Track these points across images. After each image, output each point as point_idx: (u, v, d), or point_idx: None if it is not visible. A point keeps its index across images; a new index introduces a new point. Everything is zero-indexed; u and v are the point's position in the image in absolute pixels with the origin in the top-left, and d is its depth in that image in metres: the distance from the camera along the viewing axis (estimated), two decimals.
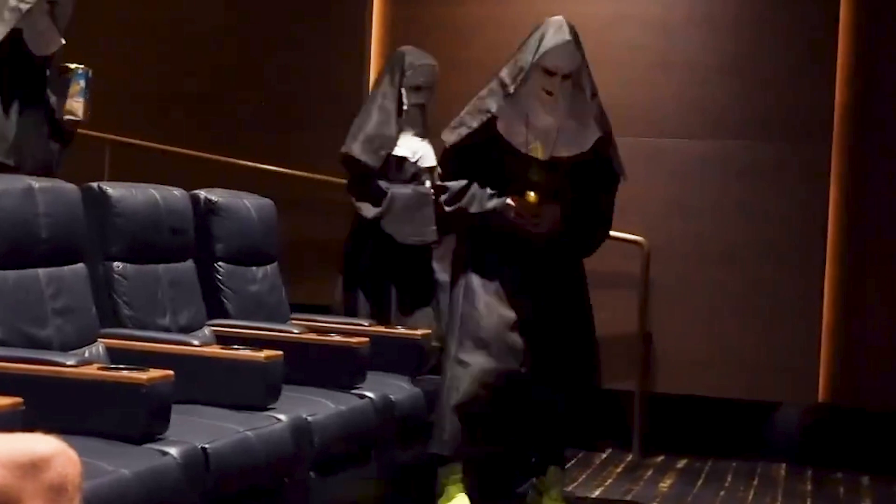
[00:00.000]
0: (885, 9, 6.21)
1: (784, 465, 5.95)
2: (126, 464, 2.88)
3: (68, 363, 3.16)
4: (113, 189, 4.03)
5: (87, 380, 3.13)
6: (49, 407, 2.96)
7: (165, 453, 3.05)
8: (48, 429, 2.14)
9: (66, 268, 3.55)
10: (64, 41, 5.09)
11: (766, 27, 6.32)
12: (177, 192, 4.31)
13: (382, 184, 5.41)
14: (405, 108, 5.49)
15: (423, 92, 5.54)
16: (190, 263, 4.33)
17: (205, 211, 4.58)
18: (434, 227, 5.25)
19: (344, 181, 5.64)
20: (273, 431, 3.57)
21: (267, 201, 4.94)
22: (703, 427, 6.47)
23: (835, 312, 6.21)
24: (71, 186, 3.66)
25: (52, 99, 4.89)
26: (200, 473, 3.14)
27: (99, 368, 3.21)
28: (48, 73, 4.97)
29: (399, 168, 5.51)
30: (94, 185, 4.02)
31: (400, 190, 5.43)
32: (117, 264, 3.99)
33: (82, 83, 4.83)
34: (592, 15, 6.50)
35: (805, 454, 6.14)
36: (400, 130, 5.48)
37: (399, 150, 5.50)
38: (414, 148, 5.56)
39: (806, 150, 6.21)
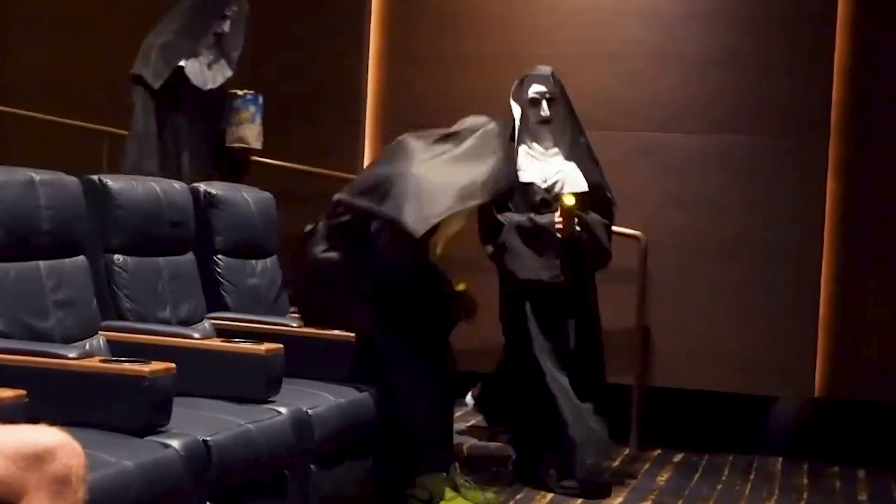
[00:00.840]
0: (882, 3, 6.22)
1: (780, 459, 5.97)
2: (129, 456, 2.89)
3: (70, 355, 3.17)
4: (114, 182, 4.03)
5: (90, 372, 3.14)
6: (51, 399, 2.97)
7: (167, 446, 3.07)
8: (51, 421, 2.15)
9: (66, 260, 3.56)
10: (231, 72, 5.05)
11: (764, 21, 6.33)
12: (177, 185, 4.32)
13: (505, 215, 4.91)
14: (529, 126, 4.98)
15: (544, 105, 4.97)
16: (190, 256, 4.34)
17: (205, 204, 4.58)
18: (556, 264, 4.83)
19: (343, 174, 5.64)
20: (274, 424, 3.58)
21: (266, 195, 4.94)
22: (700, 421, 6.48)
23: (831, 307, 6.22)
24: (72, 179, 3.66)
25: (223, 128, 4.87)
26: (202, 466, 3.16)
27: (101, 361, 3.22)
28: (213, 102, 4.95)
29: (524, 195, 4.95)
30: (95, 177, 4.02)
31: (518, 219, 4.91)
32: (118, 257, 3.99)
33: (252, 109, 4.73)
34: (590, 9, 6.52)
35: (801, 448, 6.16)
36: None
37: (524, 175, 4.95)
38: (545, 172, 4.99)
39: (803, 144, 6.22)
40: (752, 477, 5.58)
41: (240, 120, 4.78)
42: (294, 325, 4.44)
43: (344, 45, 6.80)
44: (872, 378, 6.14)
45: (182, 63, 4.97)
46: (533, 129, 5.02)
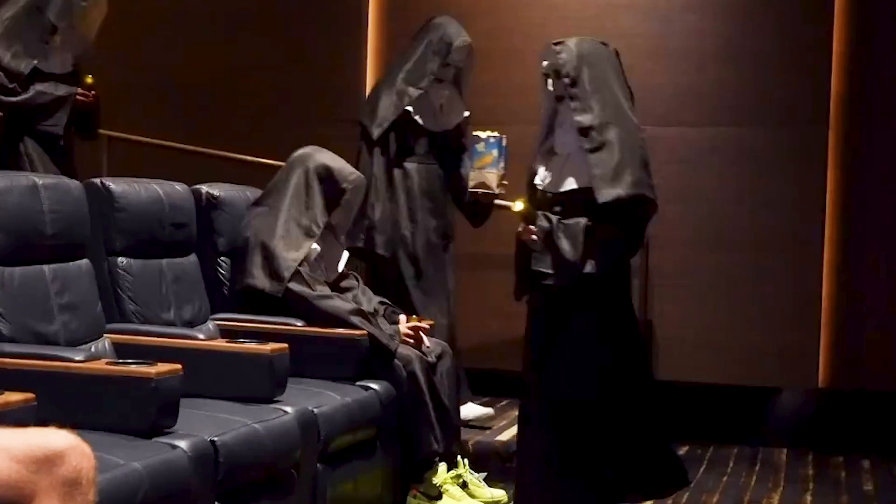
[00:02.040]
0: None
1: (785, 450, 5.98)
2: (137, 457, 2.90)
3: (77, 358, 3.18)
4: (116, 185, 4.03)
5: (97, 375, 3.15)
6: (59, 402, 2.98)
7: (175, 446, 3.08)
8: (59, 424, 2.15)
9: (71, 264, 3.57)
10: (468, 112, 5.19)
11: (762, 13, 6.33)
12: (179, 186, 4.32)
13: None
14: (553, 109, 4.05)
15: (549, 82, 3.99)
16: (193, 258, 4.35)
17: (207, 205, 4.58)
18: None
19: None
20: (280, 424, 3.59)
21: None
22: (704, 413, 6.49)
23: (834, 298, 6.23)
24: (75, 183, 3.68)
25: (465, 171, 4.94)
26: (210, 466, 3.17)
27: (107, 363, 3.22)
28: (447, 142, 5.11)
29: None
30: (98, 181, 4.03)
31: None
32: (121, 260, 4.00)
33: (495, 153, 4.59)
34: (588, 2, 6.52)
35: (806, 439, 6.16)
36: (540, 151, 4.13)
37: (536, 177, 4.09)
38: (543, 170, 4.06)
39: (803, 135, 6.22)
40: (757, 468, 5.59)
41: (482, 164, 4.67)
42: (298, 324, 4.44)
43: (342, 43, 6.80)
44: (876, 368, 6.15)
45: (408, 108, 5.19)
46: (559, 112, 4.01)
